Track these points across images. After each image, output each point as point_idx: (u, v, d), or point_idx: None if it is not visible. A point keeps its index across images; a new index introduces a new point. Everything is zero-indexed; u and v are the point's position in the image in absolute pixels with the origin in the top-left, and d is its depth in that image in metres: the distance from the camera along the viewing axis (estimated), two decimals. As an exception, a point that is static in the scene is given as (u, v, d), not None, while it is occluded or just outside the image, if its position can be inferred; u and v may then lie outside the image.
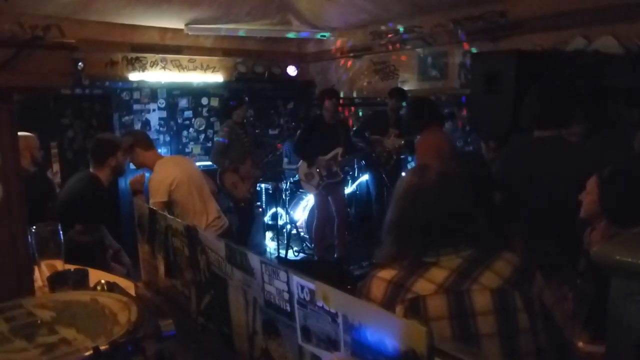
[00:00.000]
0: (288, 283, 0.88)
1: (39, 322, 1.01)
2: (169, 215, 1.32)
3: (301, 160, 5.34)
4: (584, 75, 3.49)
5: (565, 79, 3.31)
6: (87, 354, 0.86)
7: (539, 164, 2.51)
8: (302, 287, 0.85)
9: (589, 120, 3.17)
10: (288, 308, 0.89)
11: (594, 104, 3.38)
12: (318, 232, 5.40)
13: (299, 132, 5.62)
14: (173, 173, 3.31)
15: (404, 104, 5.32)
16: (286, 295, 0.89)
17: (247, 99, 5.58)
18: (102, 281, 1.42)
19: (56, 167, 3.76)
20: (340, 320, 0.78)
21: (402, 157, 5.68)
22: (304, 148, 5.26)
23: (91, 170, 3.26)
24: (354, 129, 6.09)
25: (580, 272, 1.89)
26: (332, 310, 0.79)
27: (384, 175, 5.46)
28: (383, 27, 6.21)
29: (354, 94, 6.84)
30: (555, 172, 2.44)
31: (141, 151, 3.39)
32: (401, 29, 6.01)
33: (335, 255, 5.45)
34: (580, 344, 1.71)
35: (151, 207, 1.43)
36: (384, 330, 0.70)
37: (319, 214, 5.37)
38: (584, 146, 2.90)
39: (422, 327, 0.65)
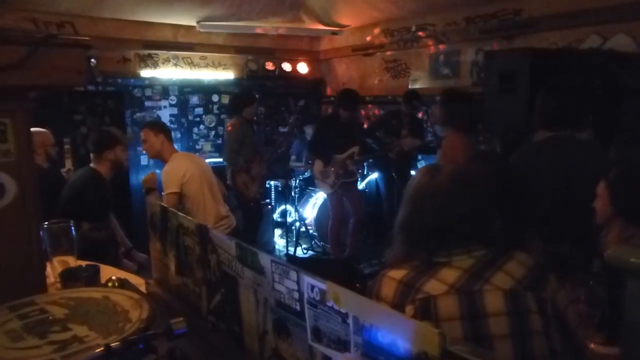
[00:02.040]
0: (298, 283, 0.88)
1: (51, 319, 1.02)
2: (180, 214, 1.33)
3: (316, 159, 5.26)
4: (599, 74, 3.44)
5: (580, 78, 3.26)
6: (98, 351, 0.87)
7: (552, 163, 2.47)
8: (313, 287, 0.84)
9: (602, 119, 3.12)
10: (298, 308, 0.89)
11: (608, 103, 3.33)
12: (333, 233, 5.31)
13: (314, 129, 5.56)
14: (185, 165, 3.31)
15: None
16: (296, 295, 0.89)
17: (257, 96, 5.56)
18: (113, 277, 1.43)
19: (69, 163, 3.79)
20: (350, 320, 0.77)
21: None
22: (320, 146, 5.19)
23: (92, 164, 3.25)
24: (365, 127, 6.06)
25: (594, 273, 1.88)
26: (343, 311, 0.78)
27: (393, 174, 5.43)
28: (395, 25, 6.17)
29: (365, 92, 6.81)
30: (569, 172, 2.41)
31: (165, 140, 3.38)
32: (413, 27, 5.97)
33: (346, 254, 5.40)
34: (594, 346, 1.69)
35: (165, 201, 1.45)
36: (395, 332, 0.70)
37: (334, 215, 5.27)
38: (597, 145, 2.86)
39: (435, 330, 0.64)
